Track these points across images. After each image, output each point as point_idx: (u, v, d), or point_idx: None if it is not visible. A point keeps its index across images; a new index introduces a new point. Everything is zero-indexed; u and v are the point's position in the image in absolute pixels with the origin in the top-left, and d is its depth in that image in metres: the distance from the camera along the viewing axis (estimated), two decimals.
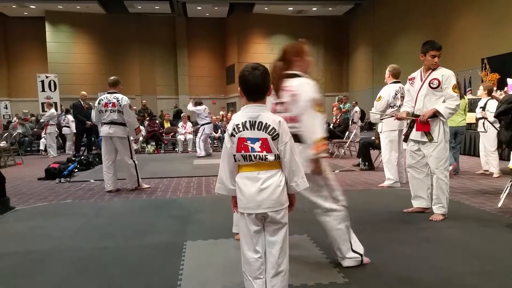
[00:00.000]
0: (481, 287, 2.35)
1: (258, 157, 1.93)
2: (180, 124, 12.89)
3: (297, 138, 2.33)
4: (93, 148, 11.29)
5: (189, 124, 13.00)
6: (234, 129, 1.96)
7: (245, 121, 1.95)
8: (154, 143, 12.76)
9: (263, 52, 23.53)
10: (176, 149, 12.93)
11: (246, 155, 1.94)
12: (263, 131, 1.93)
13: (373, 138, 7.23)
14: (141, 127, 9.71)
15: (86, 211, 4.52)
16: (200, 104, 10.95)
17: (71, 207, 4.80)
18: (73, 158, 8.40)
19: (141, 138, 11.60)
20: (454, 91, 3.72)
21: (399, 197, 4.82)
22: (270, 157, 1.93)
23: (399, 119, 4.21)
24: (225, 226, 3.50)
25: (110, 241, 3.42)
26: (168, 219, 4.10)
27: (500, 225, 3.58)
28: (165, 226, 3.81)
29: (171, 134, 13.53)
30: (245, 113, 1.97)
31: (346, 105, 12.92)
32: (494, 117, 4.94)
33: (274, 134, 1.92)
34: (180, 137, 12.64)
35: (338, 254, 2.68)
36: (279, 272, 1.97)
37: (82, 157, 8.50)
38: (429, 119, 3.76)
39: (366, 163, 7.47)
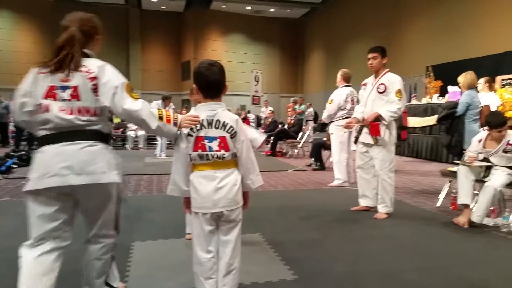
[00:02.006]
0: (421, 281, 2.49)
1: (215, 156, 1.90)
2: None
3: (89, 134, 1.80)
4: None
5: None
6: (191, 129, 1.91)
7: (203, 120, 1.91)
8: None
9: (220, 49, 23.46)
10: (126, 145, 12.57)
11: (203, 154, 1.91)
12: (221, 129, 1.91)
13: (324, 139, 7.42)
14: None
15: (24, 210, 4.27)
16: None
17: (9, 206, 4.52)
18: (12, 153, 7.93)
19: None
20: (396, 96, 3.89)
21: (347, 196, 4.99)
22: (228, 156, 1.91)
23: (347, 127, 4.41)
24: (176, 225, 3.45)
25: None
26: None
27: (438, 223, 3.81)
28: None
29: (121, 130, 13.13)
30: (201, 111, 1.94)
31: (302, 106, 13.16)
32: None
33: (232, 132, 1.91)
34: (131, 133, 12.29)
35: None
36: (230, 271, 1.97)
37: (22, 152, 8.04)
38: (378, 124, 3.92)
39: (318, 163, 7.66)
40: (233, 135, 1.92)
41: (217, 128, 1.91)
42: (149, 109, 1.85)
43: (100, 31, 1.94)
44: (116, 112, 1.81)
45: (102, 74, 1.78)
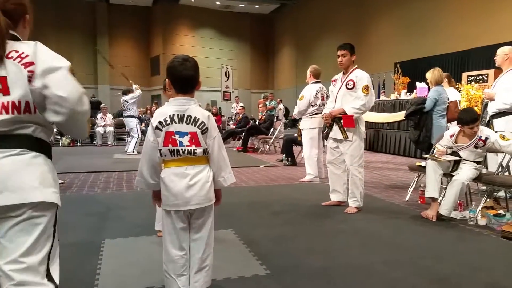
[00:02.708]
0: (390, 273, 2.54)
1: (186, 151, 1.87)
2: (99, 115, 12.24)
3: (16, 140, 1.38)
4: None
5: (109, 115, 12.39)
6: (160, 123, 1.87)
7: (173, 114, 1.87)
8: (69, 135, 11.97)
9: (190, 44, 23.19)
10: (94, 142, 12.26)
11: (174, 149, 1.87)
12: (192, 124, 1.88)
13: (295, 135, 7.48)
14: None
15: None
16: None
17: None
18: None
19: (55, 130, 10.78)
20: (362, 92, 3.96)
21: (318, 191, 5.05)
22: (199, 152, 1.89)
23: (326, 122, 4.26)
24: (147, 223, 3.39)
25: None
26: (84, 216, 3.86)
27: (407, 217, 3.91)
28: (81, 224, 3.59)
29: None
30: (172, 106, 1.90)
31: (272, 102, 13.18)
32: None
33: (203, 128, 1.89)
34: (99, 130, 12.01)
35: None
36: (203, 268, 1.97)
37: None
38: (352, 116, 3.96)
39: (289, 158, 7.71)
40: (204, 131, 1.89)
41: (188, 124, 1.88)
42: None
43: (30, 10, 1.55)
44: (59, 94, 1.35)
45: (39, 57, 1.38)
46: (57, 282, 1.42)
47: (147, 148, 1.94)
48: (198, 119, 1.89)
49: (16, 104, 1.34)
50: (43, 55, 1.40)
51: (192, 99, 1.94)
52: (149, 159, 1.94)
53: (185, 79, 1.90)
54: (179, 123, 1.88)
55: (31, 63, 1.36)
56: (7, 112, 1.33)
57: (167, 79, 1.95)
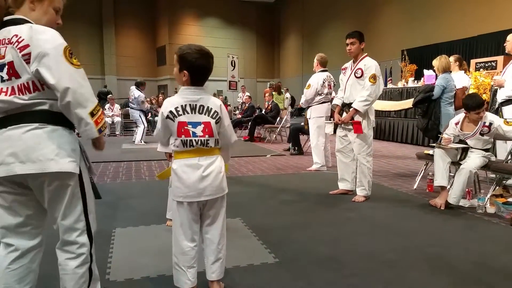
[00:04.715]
0: (399, 261, 2.56)
1: (199, 142, 1.86)
2: (107, 106, 12.29)
3: (36, 115, 1.51)
4: None
5: (116, 106, 12.44)
6: (171, 112, 1.85)
7: (185, 105, 1.86)
8: None
9: (195, 34, 23.09)
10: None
11: (187, 140, 1.85)
12: (205, 114, 1.87)
13: (302, 124, 7.47)
14: None
15: None
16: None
17: None
18: None
19: None
20: (369, 81, 3.93)
21: (326, 180, 5.06)
22: (211, 142, 1.88)
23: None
24: (157, 211, 3.43)
25: None
26: (95, 205, 3.90)
27: (415, 205, 3.91)
28: None
29: None
30: (183, 95, 1.88)
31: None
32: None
33: (217, 117, 1.89)
34: (107, 120, 12.07)
35: None
36: (219, 258, 2.00)
37: None
38: (359, 122, 3.94)
39: (296, 147, 7.72)
40: (217, 121, 1.89)
41: (201, 113, 1.86)
42: (91, 91, 1.54)
43: None
44: (48, 81, 1.45)
45: (34, 38, 1.45)
46: (93, 231, 1.67)
47: (159, 137, 1.98)
48: (211, 108, 1.88)
49: (26, 85, 1.48)
50: (37, 37, 1.45)
51: (203, 89, 1.92)
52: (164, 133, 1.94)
53: (205, 71, 1.89)
54: (191, 113, 1.86)
55: (26, 46, 1.45)
56: (22, 93, 1.48)
57: (184, 70, 1.86)
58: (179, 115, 1.86)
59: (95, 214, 1.70)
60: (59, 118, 1.54)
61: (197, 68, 1.86)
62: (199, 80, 1.89)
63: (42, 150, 1.47)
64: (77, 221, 1.60)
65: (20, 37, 1.45)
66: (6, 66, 1.47)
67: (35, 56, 1.44)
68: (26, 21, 1.51)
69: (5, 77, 1.48)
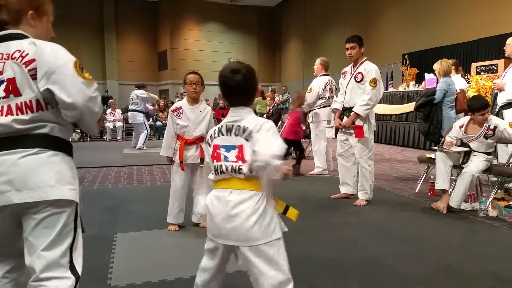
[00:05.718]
0: (400, 266, 2.55)
1: (230, 168, 1.57)
2: (109, 111, 12.32)
3: (34, 140, 1.39)
4: None
5: (118, 111, 12.47)
6: (210, 136, 1.67)
7: (222, 126, 1.64)
8: (79, 131, 12.07)
9: (197, 39, 23.17)
10: (104, 137, 12.36)
11: (218, 165, 1.60)
12: (240, 136, 1.59)
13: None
14: None
15: None
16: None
17: None
18: None
19: None
20: (370, 85, 3.93)
21: (327, 184, 5.05)
22: (245, 169, 1.55)
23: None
24: (158, 216, 3.43)
25: None
26: (96, 210, 3.91)
27: (417, 209, 3.90)
28: (93, 218, 3.62)
29: None
30: (227, 117, 1.67)
31: (285, 94, 12.91)
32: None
33: (249, 135, 1.58)
34: (109, 125, 12.10)
35: None
36: None
37: None
38: (361, 126, 3.95)
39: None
40: (248, 139, 1.58)
41: (236, 135, 1.60)
42: (100, 103, 1.49)
43: (37, 4, 1.48)
44: (63, 100, 1.36)
45: (40, 53, 1.36)
46: (79, 273, 1.44)
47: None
48: (247, 128, 1.58)
49: (28, 104, 1.36)
50: (44, 53, 1.36)
51: (247, 109, 1.66)
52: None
53: (233, 91, 1.65)
54: (226, 135, 1.62)
55: (32, 61, 1.35)
56: (22, 113, 1.36)
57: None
58: (215, 137, 1.65)
59: (83, 251, 1.49)
60: (59, 143, 1.45)
61: (221, 87, 1.67)
62: (231, 103, 1.67)
63: (41, 176, 1.36)
64: (63, 255, 1.40)
65: (24, 51, 1.36)
66: (5, 83, 1.36)
67: (44, 73, 1.35)
68: (25, 36, 1.42)
69: (1, 94, 1.36)
